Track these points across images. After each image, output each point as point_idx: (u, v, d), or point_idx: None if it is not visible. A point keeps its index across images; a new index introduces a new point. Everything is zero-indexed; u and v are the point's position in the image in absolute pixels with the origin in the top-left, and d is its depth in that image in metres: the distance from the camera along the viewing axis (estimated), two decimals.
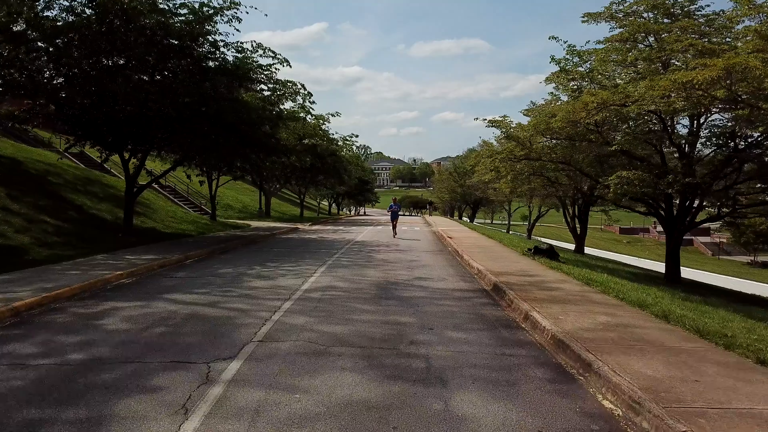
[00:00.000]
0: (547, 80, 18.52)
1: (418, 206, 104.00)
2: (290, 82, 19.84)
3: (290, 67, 18.16)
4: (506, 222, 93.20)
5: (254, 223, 28.96)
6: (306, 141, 33.77)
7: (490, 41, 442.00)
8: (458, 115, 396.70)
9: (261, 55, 18.10)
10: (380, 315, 7.69)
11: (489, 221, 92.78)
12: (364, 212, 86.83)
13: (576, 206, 24.58)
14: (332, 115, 34.38)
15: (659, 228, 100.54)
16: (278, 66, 17.84)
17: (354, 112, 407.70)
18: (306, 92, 20.59)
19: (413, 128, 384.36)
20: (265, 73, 18.11)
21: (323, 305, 8.28)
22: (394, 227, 23.23)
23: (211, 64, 16.82)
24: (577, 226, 24.50)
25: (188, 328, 6.82)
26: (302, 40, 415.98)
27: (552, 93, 17.53)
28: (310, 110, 32.72)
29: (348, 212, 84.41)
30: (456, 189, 54.92)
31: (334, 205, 67.20)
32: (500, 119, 16.16)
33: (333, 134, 38.11)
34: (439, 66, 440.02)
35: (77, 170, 25.28)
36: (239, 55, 17.57)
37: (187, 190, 31.64)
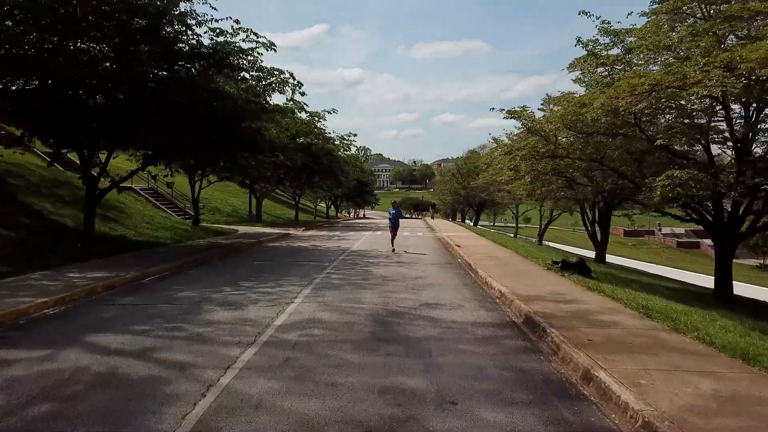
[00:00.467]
0: (570, 67, 16.25)
1: (418, 208, 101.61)
2: (277, 70, 17.57)
3: (275, 51, 15.83)
4: (509, 224, 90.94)
5: (242, 229, 26.61)
6: (302, 140, 31.45)
7: (490, 43, 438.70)
8: (458, 116, 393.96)
9: (244, 40, 15.80)
10: (377, 374, 5.36)
11: (491, 224, 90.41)
12: (364, 214, 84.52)
13: (596, 210, 22.25)
14: (328, 113, 32.04)
15: (664, 230, 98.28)
16: (261, 50, 15.50)
17: (354, 114, 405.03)
18: (296, 82, 18.28)
19: (413, 130, 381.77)
20: (248, 58, 15.76)
21: (297, 355, 5.95)
22: (393, 238, 18.63)
23: (185, 48, 14.53)
24: (597, 231, 22.17)
25: (86, 405, 4.50)
26: (303, 42, 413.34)
27: (579, 79, 15.18)
28: (304, 106, 30.58)
29: (347, 214, 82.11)
30: (459, 191, 52.48)
31: (332, 207, 64.88)
32: (520, 110, 13.85)
33: (329, 133, 35.80)
34: (439, 67, 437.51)
35: (46, 171, 22.98)
36: (219, 39, 15.27)
37: (171, 193, 29.32)
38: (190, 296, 9.36)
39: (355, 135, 37.31)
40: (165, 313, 7.98)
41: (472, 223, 57.03)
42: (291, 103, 30.64)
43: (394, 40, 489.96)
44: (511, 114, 13.64)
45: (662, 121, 13.88)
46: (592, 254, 40.77)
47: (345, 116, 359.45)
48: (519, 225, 76.69)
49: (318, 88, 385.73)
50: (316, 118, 31.68)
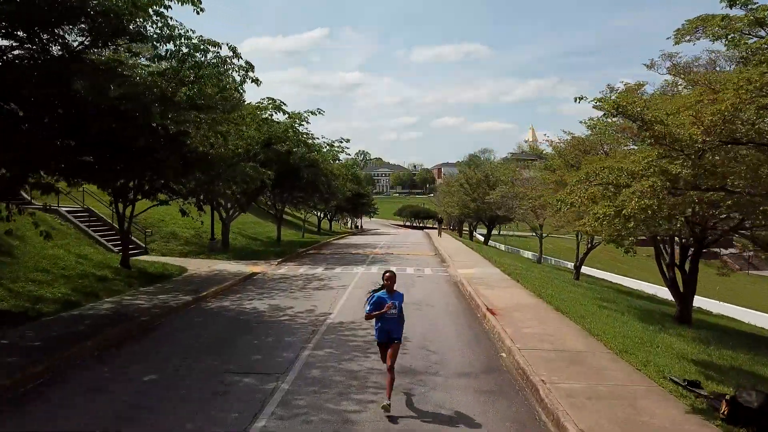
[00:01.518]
0: (678, 34, 10.12)
1: (419, 216, 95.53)
2: (211, 43, 11.21)
3: (202, 11, 9.58)
4: (516, 233, 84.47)
5: (195, 264, 20.21)
6: (284, 147, 25.11)
7: (489, 45, 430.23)
8: (458, 120, 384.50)
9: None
10: None
11: (497, 233, 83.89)
12: (361, 226, 77.99)
13: (675, 247, 15.97)
14: (312, 113, 25.69)
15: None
16: (169, 3, 9.22)
17: (354, 117, 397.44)
18: (243, 63, 11.94)
19: (413, 133, 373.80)
20: (156, 21, 9.50)
21: None
22: (390, 375, 6.95)
23: None
24: (678, 277, 15.83)
25: None
26: (303, 45, 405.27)
27: (732, 45, 8.88)
28: (282, 105, 24.36)
29: (344, 225, 75.71)
30: (468, 203, 46.00)
31: (325, 218, 58.51)
32: (631, 98, 7.43)
33: (317, 139, 29.56)
34: (439, 71, 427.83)
35: None
36: None
37: (112, 216, 22.90)
38: None
39: (348, 140, 30.95)
40: None
41: (482, 239, 50.75)
42: (271, 103, 24.62)
43: (394, 43, 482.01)
44: (611, 106, 7.09)
45: None
46: (638, 284, 32.96)
47: (344, 119, 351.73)
48: (518, 234, 69.92)
49: (318, 91, 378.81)
50: (297, 121, 25.36)
